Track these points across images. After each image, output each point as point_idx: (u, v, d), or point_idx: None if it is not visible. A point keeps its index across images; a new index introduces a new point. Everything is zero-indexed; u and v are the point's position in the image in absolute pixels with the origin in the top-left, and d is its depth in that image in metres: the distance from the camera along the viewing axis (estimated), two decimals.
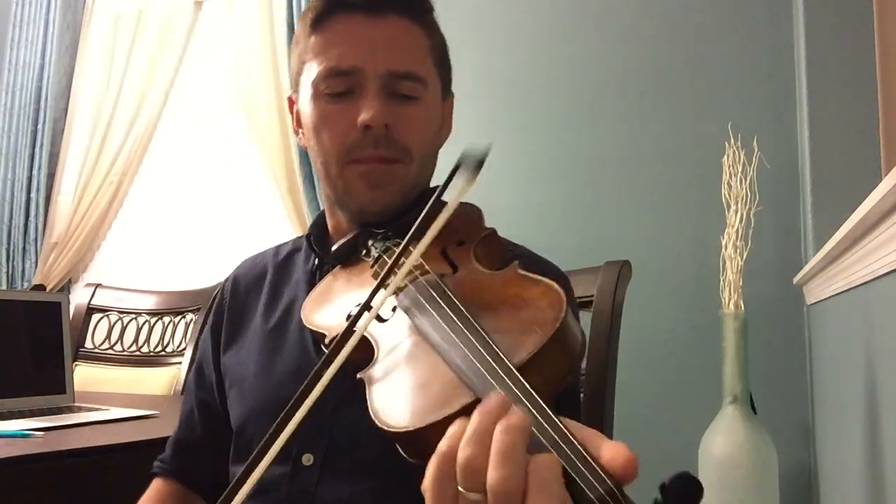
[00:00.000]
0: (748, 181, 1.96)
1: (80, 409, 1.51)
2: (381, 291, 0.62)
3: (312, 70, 0.85)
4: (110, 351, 2.16)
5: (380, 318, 0.68)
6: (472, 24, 2.65)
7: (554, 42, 2.51)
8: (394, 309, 0.68)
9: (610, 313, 1.10)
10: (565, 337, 0.56)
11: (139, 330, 2.15)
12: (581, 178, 2.43)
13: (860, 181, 1.75)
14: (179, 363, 2.03)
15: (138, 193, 3.33)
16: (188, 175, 3.24)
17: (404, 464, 0.56)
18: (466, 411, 0.50)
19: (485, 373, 0.52)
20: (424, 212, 0.64)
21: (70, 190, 3.36)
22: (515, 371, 0.51)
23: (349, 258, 0.85)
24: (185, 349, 2.04)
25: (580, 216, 2.41)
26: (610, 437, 1.07)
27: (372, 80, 0.83)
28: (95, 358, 2.15)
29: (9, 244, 3.37)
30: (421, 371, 0.59)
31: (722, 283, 1.95)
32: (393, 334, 0.65)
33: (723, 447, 1.82)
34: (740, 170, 1.97)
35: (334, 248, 0.86)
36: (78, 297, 2.26)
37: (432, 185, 0.95)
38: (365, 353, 0.64)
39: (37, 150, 3.37)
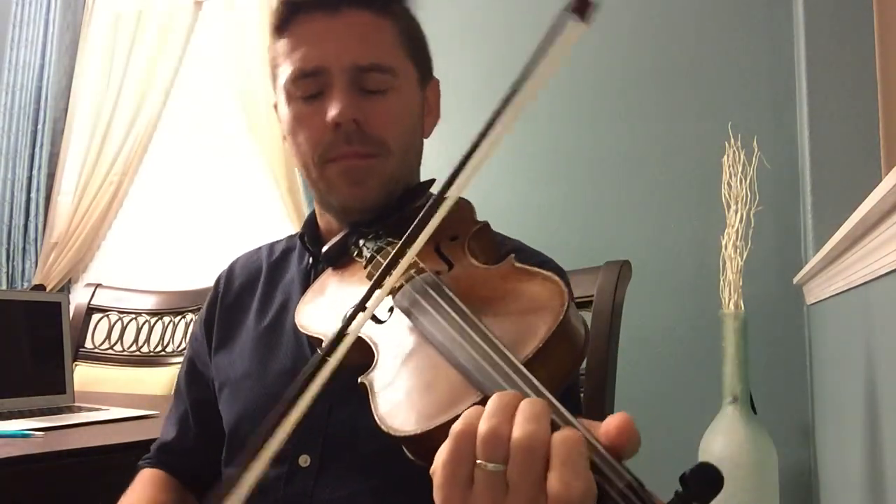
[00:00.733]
0: (748, 181, 1.96)
1: (80, 409, 1.51)
2: (377, 292, 0.60)
3: (283, 74, 0.86)
4: (110, 351, 2.16)
5: (377, 320, 0.67)
6: (472, 23, 2.65)
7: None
8: (391, 310, 0.67)
9: (610, 313, 1.10)
10: (569, 329, 0.55)
11: (139, 330, 2.15)
12: (581, 178, 2.43)
13: (860, 181, 1.75)
14: (179, 363, 2.02)
15: (138, 193, 3.33)
16: (188, 175, 3.24)
17: (402, 464, 0.55)
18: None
19: (491, 371, 0.51)
20: (429, 204, 0.61)
21: (70, 190, 3.36)
22: (522, 367, 0.51)
23: (341, 259, 0.84)
24: (185, 349, 2.04)
25: (580, 216, 2.41)
26: None
27: (337, 76, 0.82)
28: (95, 358, 2.14)
29: (9, 244, 3.37)
30: (425, 372, 0.58)
31: (722, 283, 1.95)
32: (392, 336, 0.64)
33: (723, 447, 1.81)
34: (740, 170, 1.97)
35: (325, 248, 0.86)
36: (78, 297, 2.26)
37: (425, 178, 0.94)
38: (363, 355, 0.64)
39: (37, 150, 3.36)
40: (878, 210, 0.94)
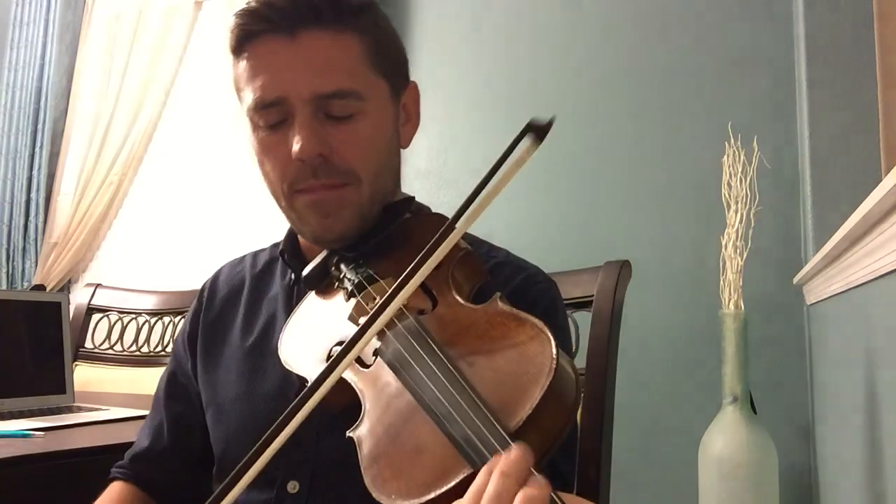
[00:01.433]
0: (748, 181, 1.96)
1: (80, 409, 1.51)
2: (362, 339, 0.60)
3: (246, 100, 0.82)
4: (110, 351, 2.16)
5: (363, 364, 0.66)
6: (472, 23, 2.65)
7: (554, 42, 2.51)
8: (375, 354, 0.66)
9: (610, 313, 1.09)
10: (560, 387, 0.54)
11: (139, 330, 2.15)
12: (581, 178, 2.43)
13: (860, 181, 1.75)
14: None
15: (138, 193, 3.33)
16: (188, 175, 3.24)
17: None
18: (465, 484, 0.50)
19: (482, 448, 0.51)
20: (423, 253, 0.62)
21: (70, 190, 3.36)
22: (508, 440, 0.50)
23: (321, 282, 0.82)
24: None
25: (580, 216, 2.41)
26: (609, 436, 1.08)
27: (299, 107, 0.78)
28: (95, 358, 2.14)
29: (9, 244, 3.37)
30: (413, 437, 0.57)
31: (722, 283, 1.95)
32: (379, 388, 0.63)
33: (723, 447, 1.81)
34: (740, 170, 1.97)
35: (305, 272, 0.83)
36: (78, 297, 2.26)
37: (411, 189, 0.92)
38: (349, 397, 0.63)
39: (37, 150, 3.37)
40: (878, 210, 0.94)
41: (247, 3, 0.82)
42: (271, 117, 0.80)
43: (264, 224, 3.00)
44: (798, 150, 2.09)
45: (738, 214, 1.95)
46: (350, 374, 0.64)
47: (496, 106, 2.51)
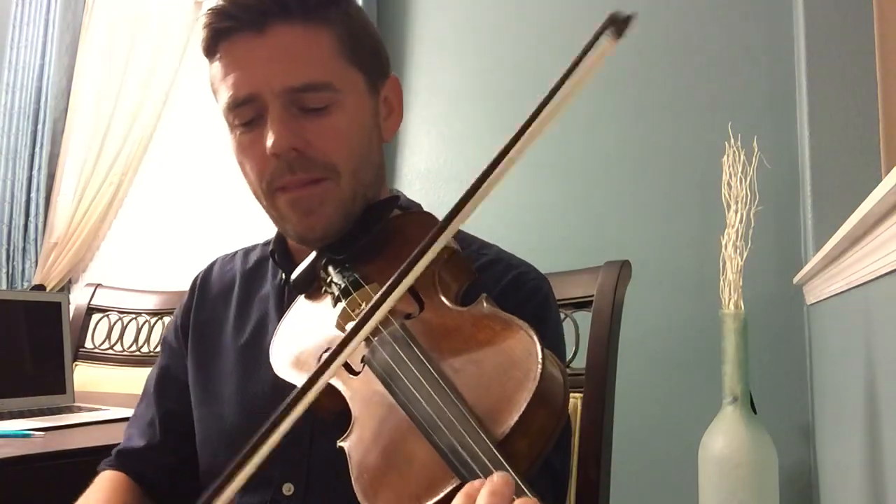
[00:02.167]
0: (748, 181, 1.96)
1: (80, 409, 1.51)
2: (349, 345, 0.59)
3: (221, 100, 0.81)
4: (110, 351, 2.16)
5: (351, 371, 0.66)
6: (472, 24, 2.65)
7: (554, 42, 2.51)
8: (363, 361, 0.66)
9: (610, 313, 1.09)
10: (547, 391, 0.54)
11: (139, 330, 2.15)
12: (581, 178, 2.43)
13: (860, 181, 1.75)
14: None
15: (138, 193, 3.33)
16: (188, 175, 3.24)
17: None
18: (452, 496, 0.50)
19: (469, 460, 0.51)
20: (414, 254, 0.61)
21: (70, 190, 3.36)
22: (499, 455, 0.50)
23: (311, 285, 0.81)
24: None
25: (580, 216, 2.41)
26: (609, 436, 1.08)
27: (271, 101, 0.77)
28: (95, 358, 2.15)
29: (9, 244, 3.37)
30: (402, 448, 0.57)
31: (722, 283, 1.95)
32: (367, 397, 0.63)
33: (723, 447, 1.81)
34: (740, 170, 1.97)
35: (293, 276, 0.82)
36: (78, 297, 2.26)
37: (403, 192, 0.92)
38: (337, 403, 0.63)
39: (37, 150, 3.37)
40: (878, 210, 0.94)
41: (216, 3, 0.82)
42: (245, 115, 0.79)
43: (264, 224, 3.00)
44: (798, 150, 2.09)
45: (738, 214, 1.95)
46: (338, 382, 0.64)
47: (496, 106, 2.51)
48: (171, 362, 0.98)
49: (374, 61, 0.85)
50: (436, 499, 0.51)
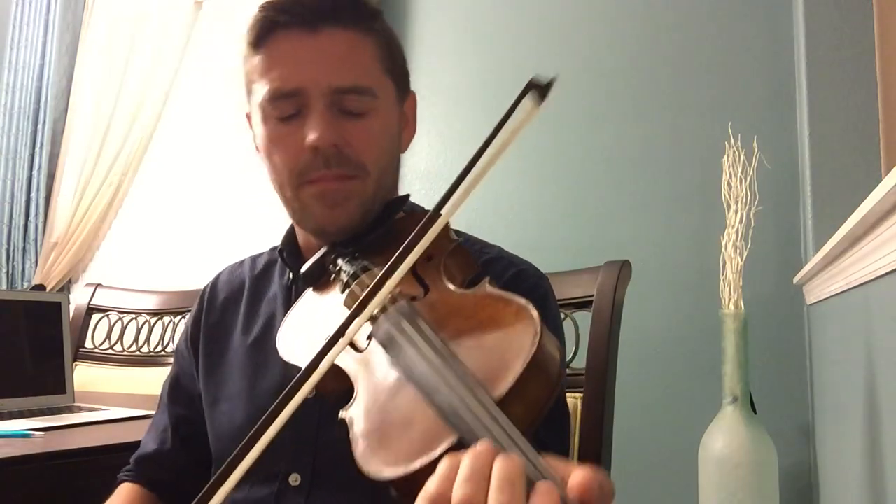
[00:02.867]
0: (748, 181, 1.96)
1: (80, 409, 1.51)
2: (354, 322, 0.61)
3: (259, 92, 0.84)
4: (110, 351, 2.16)
5: (356, 348, 0.67)
6: (472, 24, 2.65)
7: (553, 42, 2.51)
8: (369, 338, 0.67)
9: (610, 313, 1.09)
10: (542, 361, 0.56)
11: (139, 330, 2.15)
12: (581, 178, 2.43)
13: (860, 181, 1.75)
14: None
15: (138, 193, 3.33)
16: (188, 175, 3.24)
17: None
18: (449, 453, 0.50)
19: (467, 415, 0.51)
20: (417, 228, 0.63)
21: (70, 190, 3.37)
22: (498, 411, 0.51)
23: (319, 279, 0.83)
24: None
25: (580, 216, 2.41)
26: (610, 436, 1.08)
27: (316, 98, 0.80)
28: (95, 358, 2.14)
29: (9, 244, 3.37)
30: (402, 410, 0.58)
31: (722, 283, 1.95)
32: (370, 369, 0.64)
33: (723, 447, 1.81)
34: (740, 170, 1.97)
35: (303, 269, 0.84)
36: (78, 297, 2.26)
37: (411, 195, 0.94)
38: (343, 384, 0.64)
39: (37, 150, 3.37)
40: (878, 210, 0.94)
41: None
42: (286, 109, 0.82)
43: (264, 223, 3.00)
44: (798, 150, 2.09)
45: (738, 214, 1.95)
46: (343, 359, 0.65)
47: (496, 106, 2.50)
48: (181, 370, 1.00)
49: (403, 75, 0.90)
50: (434, 455, 0.51)
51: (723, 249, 1.97)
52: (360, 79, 0.82)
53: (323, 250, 0.84)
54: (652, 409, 2.16)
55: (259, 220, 3.03)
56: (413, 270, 0.73)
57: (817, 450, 1.95)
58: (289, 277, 0.93)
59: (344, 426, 0.61)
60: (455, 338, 0.61)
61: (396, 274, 0.61)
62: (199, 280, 2.50)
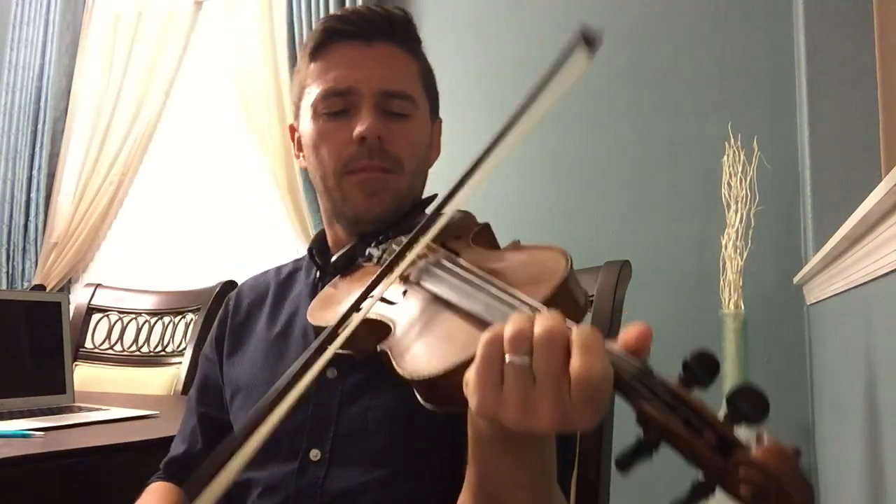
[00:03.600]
0: (748, 181, 1.97)
1: (80, 409, 1.51)
2: (388, 276, 0.64)
3: (312, 93, 0.92)
4: (110, 351, 2.16)
5: (389, 302, 0.70)
6: (472, 24, 2.65)
7: (553, 42, 2.51)
8: (404, 293, 0.70)
9: (610, 313, 1.09)
10: (572, 288, 0.60)
11: (139, 330, 2.14)
12: (581, 178, 2.43)
13: (860, 181, 1.75)
14: (179, 363, 2.02)
15: (138, 193, 3.33)
16: (188, 175, 3.24)
17: (409, 455, 0.61)
18: None
19: (505, 308, 0.55)
20: (449, 191, 0.66)
21: (70, 190, 3.36)
22: (535, 303, 0.55)
23: (349, 268, 0.89)
24: (185, 349, 2.04)
25: (580, 216, 2.41)
26: (609, 437, 1.08)
27: (366, 97, 0.90)
28: (95, 358, 2.14)
29: (9, 244, 3.37)
30: (442, 327, 0.61)
31: (722, 283, 1.95)
32: (407, 308, 0.67)
33: None
34: (740, 170, 1.97)
35: (334, 258, 0.91)
36: (78, 297, 2.26)
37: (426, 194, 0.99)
38: (377, 334, 0.66)
39: (37, 150, 3.36)
40: (878, 210, 0.94)
41: (334, 12, 0.96)
42: (336, 105, 0.90)
43: (264, 223, 3.00)
44: (798, 150, 2.09)
45: (738, 214, 1.95)
46: (378, 308, 0.68)
47: (496, 106, 2.51)
48: (207, 372, 1.02)
49: (435, 101, 1.02)
50: (473, 352, 0.52)
51: (723, 249, 1.97)
52: (405, 86, 0.92)
53: (353, 243, 0.91)
54: None
55: (259, 220, 3.03)
56: (443, 244, 0.77)
57: (817, 450, 1.95)
58: (315, 275, 0.98)
59: (384, 356, 0.62)
60: (490, 272, 0.64)
61: (430, 231, 0.64)
62: (198, 280, 2.50)
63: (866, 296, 1.17)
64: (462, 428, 0.60)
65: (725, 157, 2.01)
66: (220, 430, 0.96)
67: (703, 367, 0.50)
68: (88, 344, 2.16)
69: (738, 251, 1.94)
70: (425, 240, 0.65)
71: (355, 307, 0.62)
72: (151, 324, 2.14)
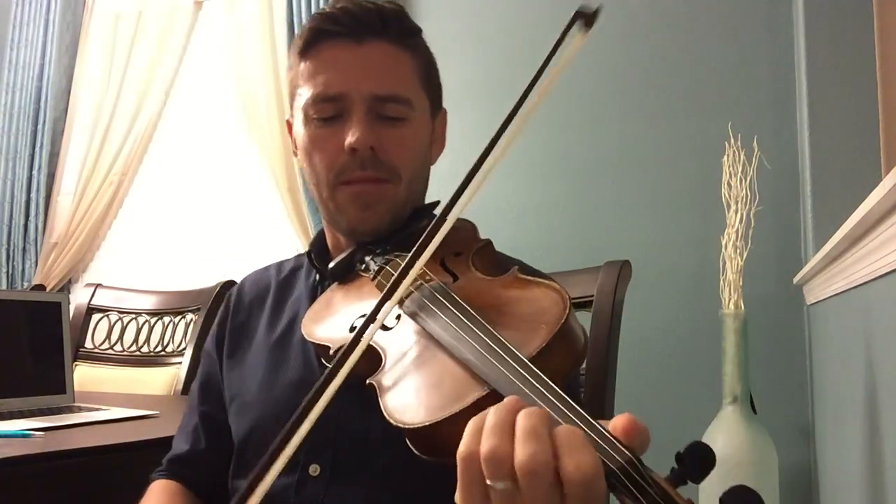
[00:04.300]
0: (748, 181, 1.96)
1: (80, 409, 1.51)
2: (387, 303, 0.62)
3: (303, 96, 0.88)
4: (110, 351, 2.16)
5: (384, 328, 0.68)
6: (472, 24, 2.65)
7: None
8: (398, 317, 0.68)
9: (610, 313, 1.09)
10: (569, 332, 0.57)
11: (139, 330, 2.14)
12: (581, 178, 2.43)
13: (860, 181, 1.75)
14: (179, 363, 2.02)
15: (138, 193, 3.33)
16: (188, 175, 3.24)
17: (412, 475, 0.58)
18: (480, 404, 0.51)
19: (496, 364, 0.53)
20: (439, 215, 0.64)
21: (70, 190, 3.36)
22: (525, 360, 0.52)
23: (347, 275, 0.87)
24: (185, 349, 2.04)
25: (580, 216, 2.41)
26: None
27: (358, 103, 0.85)
28: (95, 358, 2.14)
29: (9, 244, 3.37)
30: (432, 370, 0.59)
31: (722, 283, 1.95)
32: (400, 340, 0.66)
33: (723, 447, 1.81)
34: (740, 170, 1.97)
35: (331, 265, 0.88)
36: (78, 297, 2.26)
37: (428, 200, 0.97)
38: (371, 362, 0.65)
39: (37, 150, 3.36)
40: (878, 210, 0.94)
41: (322, 9, 0.90)
42: (327, 111, 0.87)
43: (264, 223, 3.00)
44: (798, 150, 2.09)
45: (738, 214, 1.95)
46: (374, 338, 0.67)
47: (496, 106, 2.51)
48: (208, 370, 1.01)
49: (437, 92, 0.97)
50: (466, 402, 0.52)
51: (723, 249, 1.97)
52: (398, 88, 0.88)
53: (351, 249, 0.88)
54: (652, 408, 2.16)
55: (259, 220, 3.03)
56: (442, 263, 0.76)
57: (817, 450, 1.95)
58: (315, 278, 0.96)
59: (373, 389, 0.61)
60: (484, 311, 0.62)
61: (427, 250, 0.62)
62: (198, 280, 2.50)
63: (866, 296, 1.17)
64: None
65: (725, 158, 2.01)
66: (222, 430, 0.95)
67: (695, 462, 0.49)
68: (88, 344, 2.16)
69: (738, 251, 1.94)
70: (427, 254, 0.63)
71: (357, 338, 0.60)
72: (151, 324, 2.14)
